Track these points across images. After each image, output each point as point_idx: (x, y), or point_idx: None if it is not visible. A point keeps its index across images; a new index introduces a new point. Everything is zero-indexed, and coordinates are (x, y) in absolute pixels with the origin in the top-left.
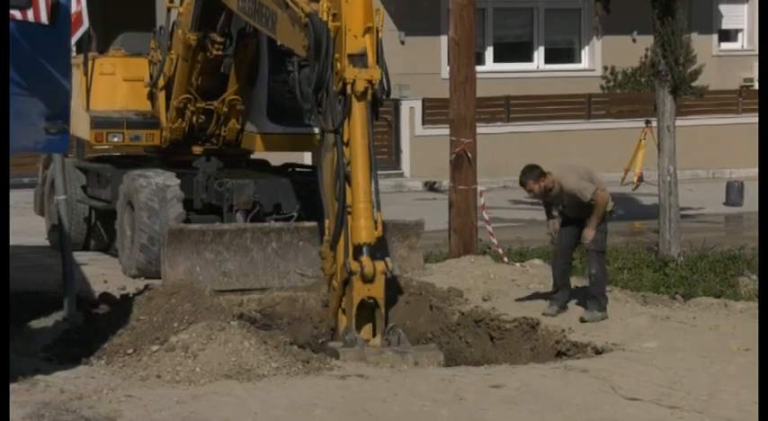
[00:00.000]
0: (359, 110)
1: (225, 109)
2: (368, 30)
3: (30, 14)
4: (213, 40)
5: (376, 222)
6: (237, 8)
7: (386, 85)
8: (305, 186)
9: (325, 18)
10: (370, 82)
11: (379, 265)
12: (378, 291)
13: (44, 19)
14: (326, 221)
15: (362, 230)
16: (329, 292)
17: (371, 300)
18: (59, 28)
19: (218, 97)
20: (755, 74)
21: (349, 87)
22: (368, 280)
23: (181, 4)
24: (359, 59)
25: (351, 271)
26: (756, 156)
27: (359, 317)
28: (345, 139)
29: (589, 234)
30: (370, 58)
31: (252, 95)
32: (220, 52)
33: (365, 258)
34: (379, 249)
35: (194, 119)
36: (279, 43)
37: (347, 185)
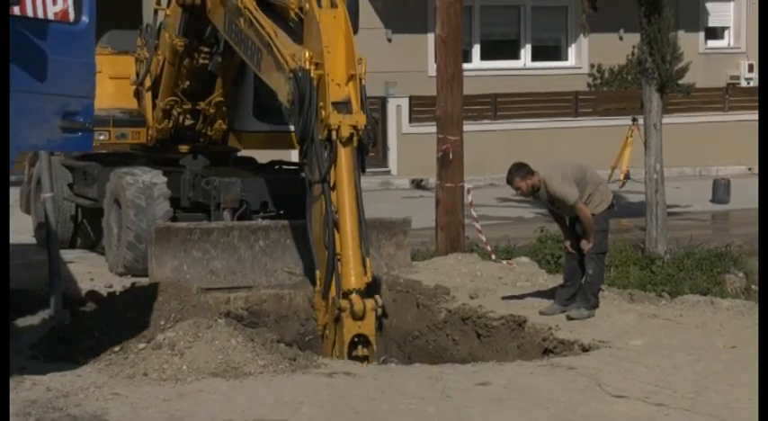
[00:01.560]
0: (345, 155)
1: (211, 110)
2: (351, 78)
3: (15, 10)
4: (200, 50)
5: (365, 268)
6: (224, 31)
7: (371, 134)
8: (292, 184)
9: (307, 67)
10: (355, 128)
11: (369, 303)
12: (368, 328)
13: (31, 14)
14: (317, 272)
15: (352, 276)
16: (323, 342)
17: (362, 338)
18: (81, 24)
19: (204, 98)
20: (742, 71)
21: (334, 133)
22: (358, 317)
23: (168, 5)
24: (343, 106)
25: (340, 307)
26: (743, 153)
27: (350, 356)
28: (332, 185)
29: (586, 246)
30: (355, 105)
31: (238, 94)
32: (207, 61)
33: (355, 296)
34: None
35: (181, 119)
36: None
37: (336, 232)
